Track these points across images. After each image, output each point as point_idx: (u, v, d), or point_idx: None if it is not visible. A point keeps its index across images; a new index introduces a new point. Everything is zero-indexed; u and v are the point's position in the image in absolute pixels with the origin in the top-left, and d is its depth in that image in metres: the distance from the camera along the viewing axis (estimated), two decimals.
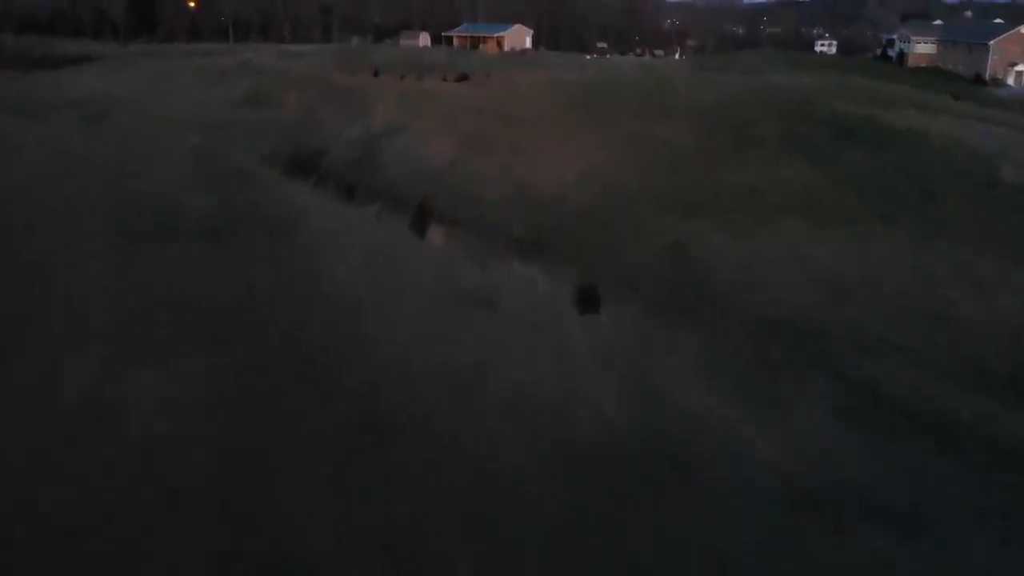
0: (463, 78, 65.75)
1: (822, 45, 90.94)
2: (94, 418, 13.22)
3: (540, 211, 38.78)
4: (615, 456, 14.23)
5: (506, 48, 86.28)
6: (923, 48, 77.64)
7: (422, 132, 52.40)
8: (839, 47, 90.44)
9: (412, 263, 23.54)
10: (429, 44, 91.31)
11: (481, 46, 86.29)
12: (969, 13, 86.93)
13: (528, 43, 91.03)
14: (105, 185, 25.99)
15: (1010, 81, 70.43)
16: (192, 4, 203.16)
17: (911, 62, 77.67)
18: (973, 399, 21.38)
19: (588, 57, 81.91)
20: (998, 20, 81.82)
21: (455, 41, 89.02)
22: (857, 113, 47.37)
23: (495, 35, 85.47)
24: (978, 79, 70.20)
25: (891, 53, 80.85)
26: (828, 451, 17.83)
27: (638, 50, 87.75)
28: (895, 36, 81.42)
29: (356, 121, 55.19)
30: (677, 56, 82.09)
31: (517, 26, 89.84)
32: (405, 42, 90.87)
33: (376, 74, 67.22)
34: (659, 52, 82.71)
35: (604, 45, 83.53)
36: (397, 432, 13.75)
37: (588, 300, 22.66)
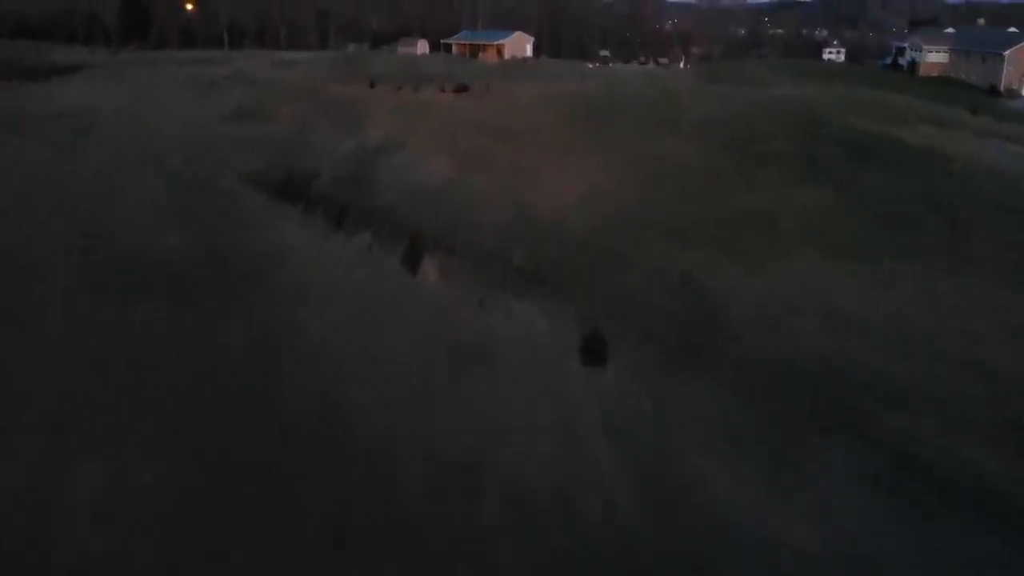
0: (462, 89, 63.97)
1: (830, 53, 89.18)
2: (22, 530, 11.34)
3: (540, 237, 37.00)
4: (630, 568, 12.44)
5: (506, 56, 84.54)
6: (935, 57, 75.88)
7: (419, 148, 50.63)
8: (847, 54, 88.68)
9: (402, 309, 21.77)
10: (427, 52, 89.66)
11: (481, 54, 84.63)
12: (982, 21, 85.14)
13: (529, 51, 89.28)
14: (73, 221, 24.30)
15: None
16: (189, 7, 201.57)
17: (923, 71, 75.90)
18: (1016, 464, 19.60)
19: (590, 66, 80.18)
20: (1012, 29, 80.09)
21: (454, 49, 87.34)
22: (872, 130, 45.57)
23: (495, 43, 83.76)
24: (993, 90, 68.46)
25: (902, 62, 79.12)
26: (860, 533, 16.09)
27: (642, 58, 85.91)
28: (906, 44, 79.72)
29: (350, 136, 53.42)
30: (681, 65, 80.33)
31: (517, 34, 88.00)
32: (403, 50, 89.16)
33: (372, 85, 65.45)
34: (663, 60, 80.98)
35: (607, 53, 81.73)
36: (377, 547, 11.96)
37: (594, 351, 20.80)
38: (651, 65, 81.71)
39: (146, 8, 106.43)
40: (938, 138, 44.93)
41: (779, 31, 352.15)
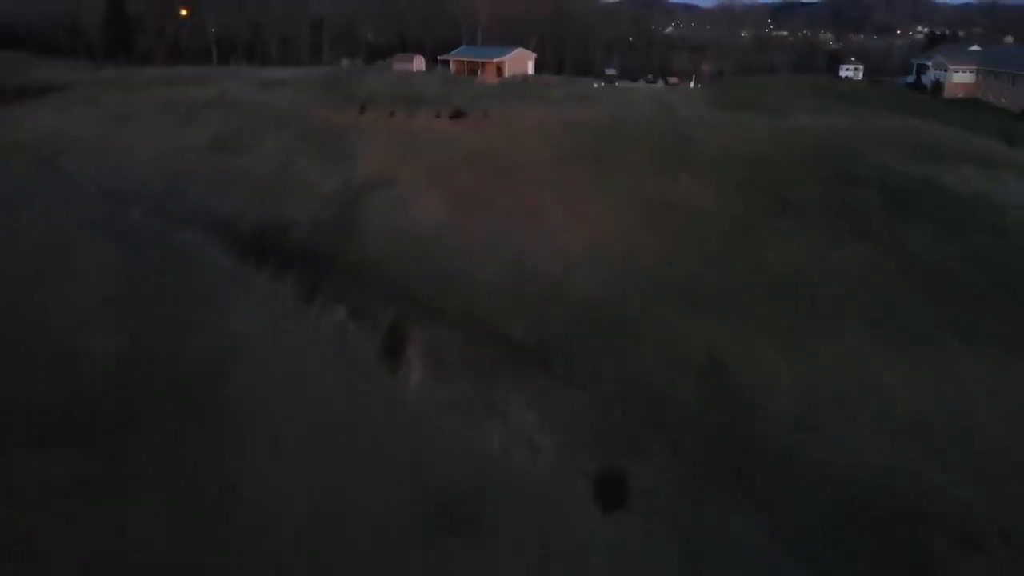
0: (458, 115, 60.32)
1: (847, 69, 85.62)
2: None
3: (543, 300, 33.21)
4: None
5: (507, 74, 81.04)
6: (961, 77, 72.30)
7: (410, 186, 46.95)
8: (866, 71, 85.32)
9: (374, 436, 18.03)
10: (424, 68, 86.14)
11: (480, 72, 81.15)
12: (1010, 39, 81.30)
13: (530, 68, 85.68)
14: None
15: None
16: (183, 13, 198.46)
17: (948, 92, 72.33)
18: None
19: (596, 85, 76.56)
20: None
21: (452, 65, 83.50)
22: (909, 173, 41.85)
23: (495, 60, 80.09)
24: None
25: (925, 81, 75.61)
26: None
27: (649, 76, 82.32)
28: (928, 62, 76.23)
29: (337, 171, 49.75)
30: (692, 84, 76.76)
31: (519, 50, 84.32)
32: (398, 66, 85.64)
33: (363, 109, 61.82)
34: (673, 80, 77.43)
35: (613, 71, 78.13)
36: None
37: (613, 490, 17.00)
38: (660, 84, 78.14)
39: (132, 22, 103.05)
40: (981, 182, 41.21)
41: (783, 34, 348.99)
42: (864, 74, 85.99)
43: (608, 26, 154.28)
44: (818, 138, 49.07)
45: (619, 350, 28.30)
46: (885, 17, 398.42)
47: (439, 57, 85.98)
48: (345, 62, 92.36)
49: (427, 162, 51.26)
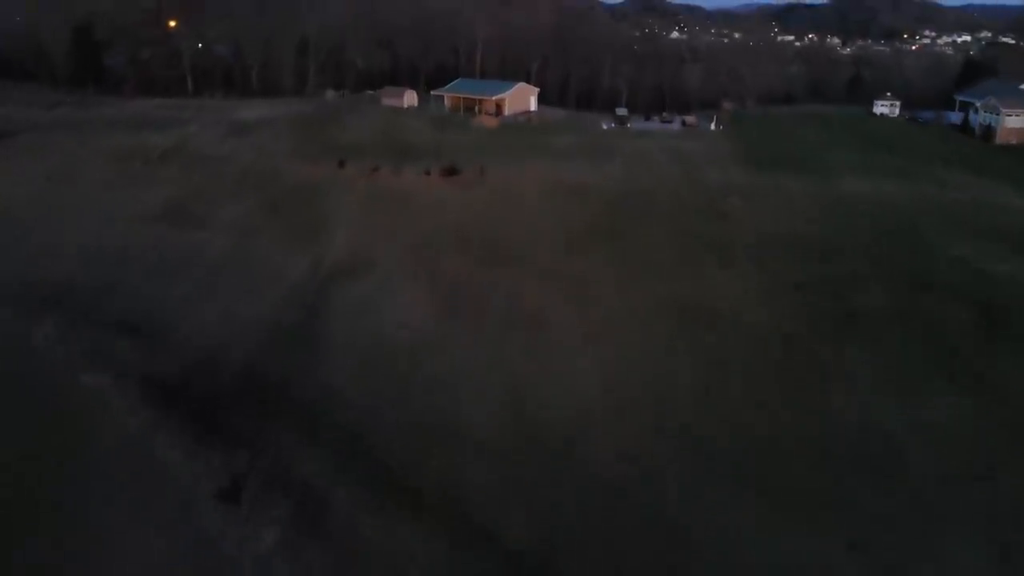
0: (451, 172, 53.84)
1: (883, 106, 79.16)
2: None
3: (548, 476, 26.30)
4: None
5: (507, 112, 74.67)
6: (1016, 122, 65.56)
7: (389, 275, 40.27)
8: (903, 105, 78.71)
9: None
10: (415, 103, 79.63)
11: (477, 109, 74.75)
12: None
13: (533, 104, 79.04)
14: None
15: None
16: (172, 24, 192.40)
17: (1000, 138, 65.83)
18: None
19: (605, 126, 70.07)
20: None
21: (447, 101, 76.55)
22: (996, 273, 35.17)
23: (493, 97, 73.23)
24: None
25: (973, 124, 69.10)
26: None
27: (664, 114, 75.46)
28: (977, 101, 69.64)
29: (304, 251, 43.15)
30: (713, 126, 70.13)
31: (519, 85, 77.46)
32: (387, 101, 78.89)
33: (342, 164, 55.30)
34: (690, 120, 70.80)
35: (624, 111, 71.38)
36: None
37: None
38: (675, 124, 71.62)
39: (98, 47, 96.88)
40: None
41: (789, 37, 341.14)
42: (900, 110, 79.51)
43: (614, 38, 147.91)
44: (876, 216, 42.50)
45: (655, 568, 21.55)
46: (891, 20, 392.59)
47: (433, 92, 79.48)
48: (330, 94, 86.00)
49: (411, 239, 44.61)
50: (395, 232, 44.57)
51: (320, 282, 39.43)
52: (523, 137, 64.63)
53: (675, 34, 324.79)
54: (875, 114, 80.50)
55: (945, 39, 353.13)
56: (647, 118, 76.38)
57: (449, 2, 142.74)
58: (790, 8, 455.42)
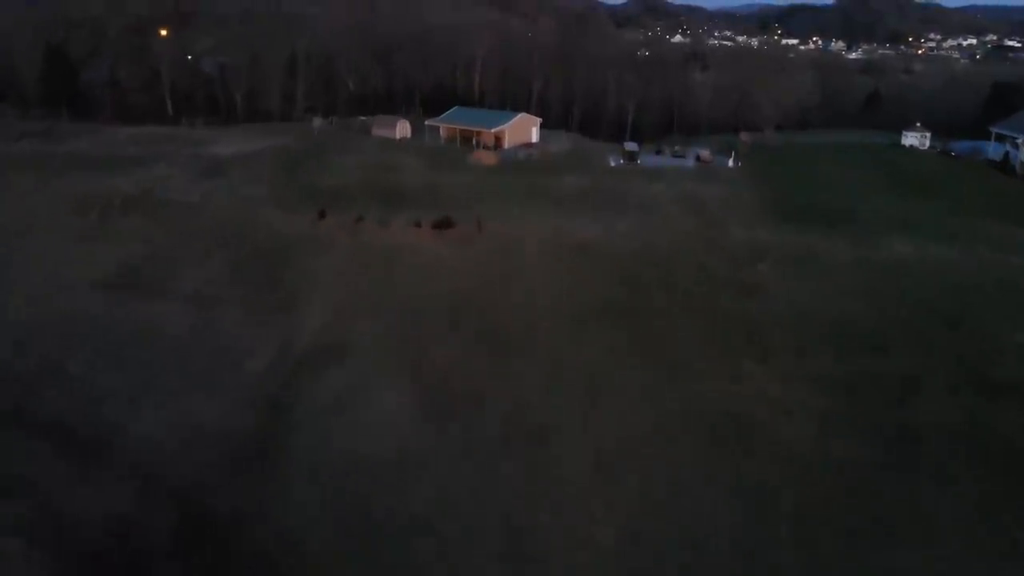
0: (444, 225, 49.00)
1: (913, 137, 74.34)
2: None
3: None
4: None
5: (507, 144, 69.92)
6: None
7: (367, 364, 35.36)
8: (933, 134, 73.95)
9: None
10: (408, 134, 74.76)
11: (475, 141, 69.98)
12: None
13: (535, 135, 74.08)
14: None
15: None
16: (163, 33, 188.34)
17: None
18: None
19: (613, 163, 65.26)
20: None
21: (442, 132, 71.92)
22: None
23: (492, 130, 68.45)
24: None
25: (1014, 160, 64.19)
26: None
27: (676, 148, 70.52)
28: (1020, 137, 64.68)
29: (272, 330, 38.27)
30: (730, 161, 65.21)
31: (520, 116, 72.37)
32: (379, 131, 73.99)
33: (323, 214, 50.48)
34: (705, 155, 65.88)
35: (634, 147, 66.22)
36: None
37: None
38: (690, 160, 66.76)
39: (73, 69, 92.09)
40: None
41: (794, 41, 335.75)
42: (931, 143, 74.69)
43: (619, 51, 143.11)
44: (925, 290, 37.50)
45: None
46: (896, 23, 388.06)
47: (428, 122, 74.61)
48: (317, 121, 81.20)
49: (396, 314, 39.70)
50: (378, 304, 39.64)
51: (287, 372, 34.53)
52: (524, 177, 59.77)
53: (678, 37, 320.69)
54: (904, 145, 75.64)
55: (951, 42, 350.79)
56: (658, 151, 71.47)
57: (447, 16, 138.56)
58: (792, 10, 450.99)
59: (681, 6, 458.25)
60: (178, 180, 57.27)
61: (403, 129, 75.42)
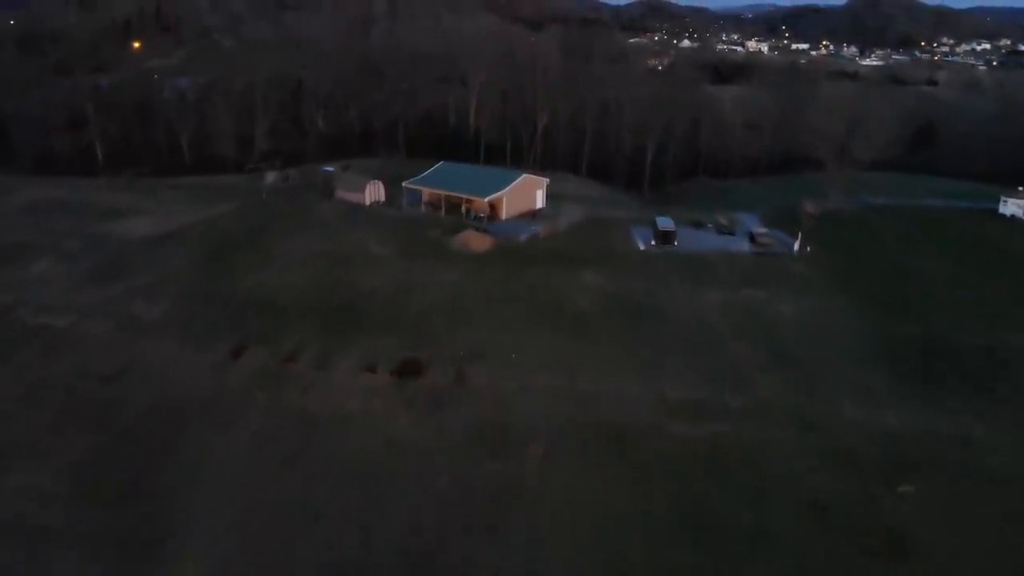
0: (411, 370, 34.79)
1: (1015, 205, 59.98)
2: None
3: None
4: None
5: (504, 215, 55.87)
6: None
7: None
8: None
9: None
10: (382, 199, 60.24)
11: (464, 209, 55.82)
12: None
13: (540, 199, 59.56)
14: None
15: None
16: (136, 45, 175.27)
17: None
18: None
19: (643, 245, 50.94)
20: None
21: (423, 196, 58.10)
22: None
23: (487, 197, 53.92)
24: None
25: None
26: None
27: (722, 220, 56.30)
28: None
29: None
30: (797, 246, 50.88)
31: (522, 178, 57.38)
32: (344, 195, 59.54)
33: (239, 352, 36.26)
34: (761, 234, 51.43)
35: (670, 225, 51.34)
36: None
37: None
38: (741, 241, 52.53)
39: None
40: None
41: (803, 46, 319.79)
42: None
43: (629, 71, 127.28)
44: None
45: None
46: (907, 27, 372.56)
47: (407, 183, 60.05)
48: (271, 177, 67.14)
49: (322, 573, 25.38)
50: (290, 554, 25.30)
51: None
52: (526, 274, 45.33)
53: (686, 42, 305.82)
54: (1004, 215, 61.16)
55: (964, 47, 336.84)
56: (697, 224, 56.94)
57: (439, 41, 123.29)
58: (800, 11, 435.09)
59: (686, 7, 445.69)
60: (57, 287, 43.00)
61: (374, 192, 61.22)
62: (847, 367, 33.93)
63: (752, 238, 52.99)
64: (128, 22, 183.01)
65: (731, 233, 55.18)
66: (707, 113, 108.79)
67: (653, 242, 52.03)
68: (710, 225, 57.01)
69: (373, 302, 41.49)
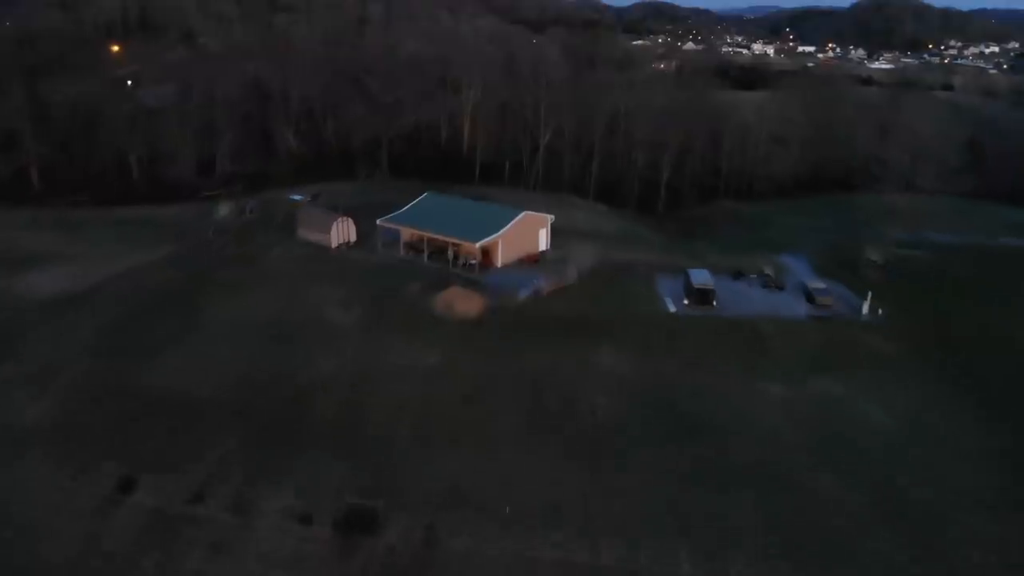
0: (361, 523, 24.79)
1: None
2: None
3: None
4: None
5: (499, 263, 45.98)
6: None
7: None
8: None
9: None
10: (352, 239, 50.08)
11: (451, 254, 45.99)
12: None
13: (543, 241, 49.60)
14: None
15: None
16: (115, 49, 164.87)
17: None
18: None
19: (674, 307, 40.98)
20: None
21: (403, 237, 48.36)
22: None
23: (478, 241, 43.92)
24: None
25: None
26: None
27: (767, 270, 46.23)
28: None
29: None
30: (866, 307, 40.96)
31: (523, 216, 47.11)
32: (308, 234, 49.42)
33: (129, 485, 26.15)
34: (821, 292, 41.57)
35: (707, 280, 41.07)
36: None
37: None
38: (792, 297, 42.72)
39: None
40: None
41: (810, 49, 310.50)
42: None
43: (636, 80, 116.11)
44: None
45: None
46: (914, 29, 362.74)
47: (381, 221, 49.70)
48: (223, 210, 57.03)
49: None
50: None
51: None
52: (524, 356, 35.21)
53: (690, 44, 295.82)
54: None
55: (972, 50, 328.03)
56: (737, 275, 46.80)
57: (433, 45, 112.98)
58: (804, 13, 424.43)
59: (689, 9, 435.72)
60: None
61: (343, 231, 51.20)
62: (979, 516, 23.73)
63: (809, 297, 42.83)
64: (108, 25, 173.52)
65: (780, 287, 45.05)
66: (727, 125, 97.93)
67: (686, 301, 41.97)
68: (753, 276, 46.82)
69: (321, 402, 31.43)
